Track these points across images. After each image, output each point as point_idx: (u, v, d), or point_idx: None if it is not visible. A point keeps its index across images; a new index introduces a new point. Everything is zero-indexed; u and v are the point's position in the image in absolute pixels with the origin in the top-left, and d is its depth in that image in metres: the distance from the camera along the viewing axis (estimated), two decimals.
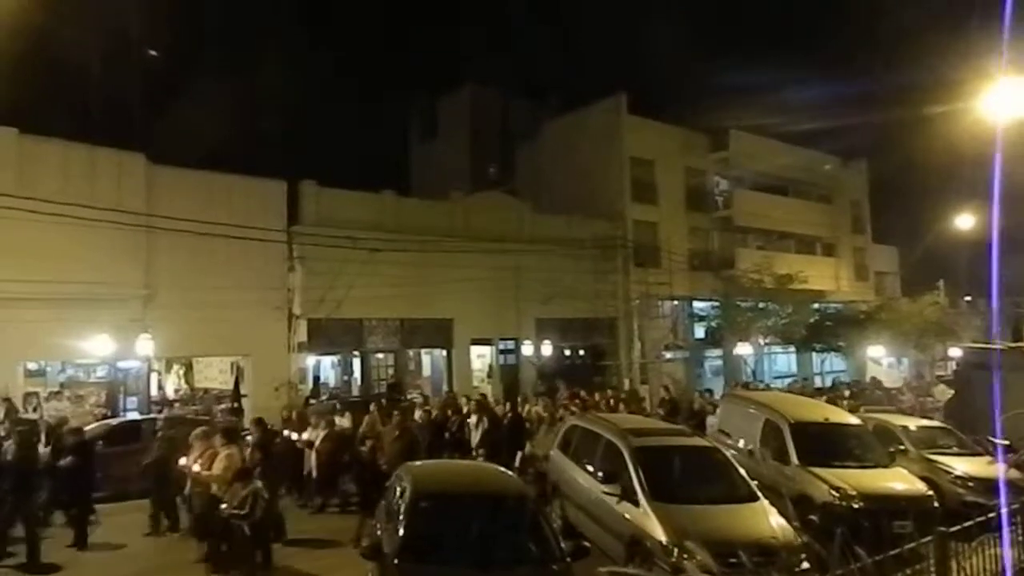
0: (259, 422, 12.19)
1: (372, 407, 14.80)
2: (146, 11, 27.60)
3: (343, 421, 14.03)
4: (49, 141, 17.13)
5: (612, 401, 17.97)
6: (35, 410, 16.28)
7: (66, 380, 18.08)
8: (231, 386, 19.60)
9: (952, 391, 22.35)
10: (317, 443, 12.58)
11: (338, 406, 17.17)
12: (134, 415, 17.00)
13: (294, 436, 13.44)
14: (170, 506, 10.97)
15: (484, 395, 18.71)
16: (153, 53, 27.75)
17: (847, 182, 37.24)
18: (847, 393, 22.36)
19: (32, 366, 17.51)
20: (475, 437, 14.19)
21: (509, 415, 15.24)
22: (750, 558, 7.38)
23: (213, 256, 18.04)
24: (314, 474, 12.72)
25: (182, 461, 9.98)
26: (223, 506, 8.62)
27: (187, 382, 21.12)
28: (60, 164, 16.88)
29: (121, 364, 17.85)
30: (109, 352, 16.77)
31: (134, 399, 18.30)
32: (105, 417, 16.36)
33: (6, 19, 15.75)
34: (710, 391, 21.19)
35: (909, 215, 38.03)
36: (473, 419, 14.54)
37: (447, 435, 14.19)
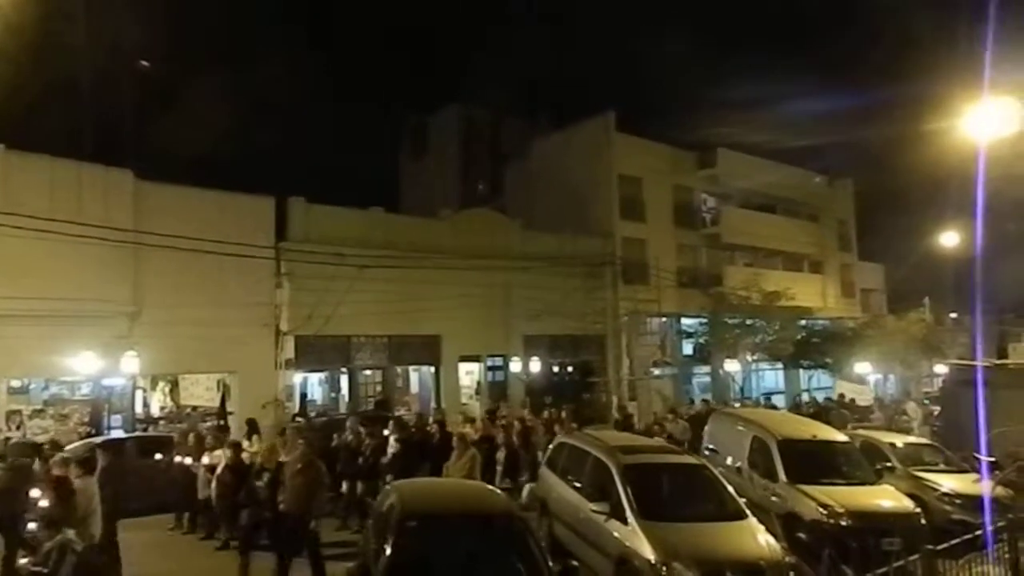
0: (106, 446, 10.87)
1: (287, 430, 12.87)
2: (135, 28, 27.66)
3: (251, 445, 12.63)
4: (36, 157, 17.02)
5: (556, 426, 15.54)
6: (18, 428, 16.11)
7: (50, 398, 17.88)
8: (217, 404, 19.46)
9: (921, 409, 22.45)
10: (219, 470, 11.35)
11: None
12: (119, 433, 16.83)
13: (187, 461, 12.55)
14: (15, 545, 9.28)
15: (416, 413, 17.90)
16: (145, 63, 27.83)
17: (834, 200, 37.60)
18: (810, 411, 21.67)
19: (15, 383, 17.34)
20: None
21: (437, 436, 14.14)
22: None
23: (200, 273, 17.94)
24: (213, 504, 11.55)
25: (34, 493, 9.02)
26: (23, 561, 7.50)
27: (173, 399, 20.95)
28: (47, 180, 16.75)
29: (106, 382, 17.67)
30: (94, 369, 16.59)
31: (119, 417, 18.12)
32: (89, 435, 16.18)
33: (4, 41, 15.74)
34: (674, 411, 20.87)
35: (895, 233, 38.46)
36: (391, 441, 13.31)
37: (360, 460, 12.84)
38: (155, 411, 20.25)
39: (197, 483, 12.14)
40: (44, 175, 16.83)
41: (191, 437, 13.29)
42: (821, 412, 21.08)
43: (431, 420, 16.48)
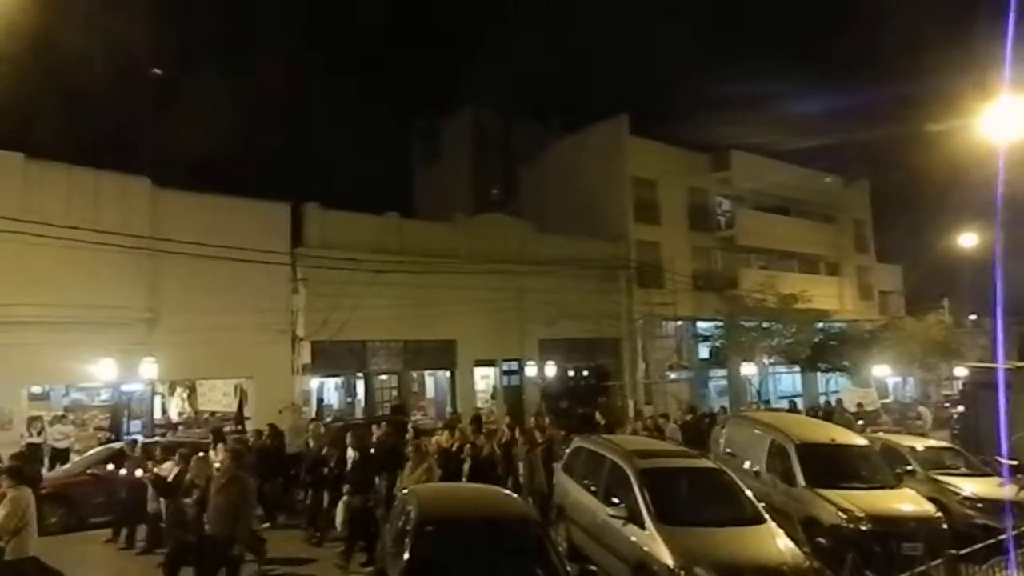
0: (30, 455, 10.25)
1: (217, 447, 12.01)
2: (147, 36, 27.94)
3: (216, 456, 11.67)
4: (54, 166, 17.20)
5: (538, 433, 14.54)
6: (39, 434, 16.26)
7: (70, 404, 18.04)
8: (235, 409, 19.57)
9: (932, 413, 21.89)
10: (170, 479, 10.37)
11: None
12: (138, 438, 16.95)
13: (138, 473, 11.75)
14: None
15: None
16: (157, 71, 28.11)
17: (850, 201, 37.31)
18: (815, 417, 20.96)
19: (36, 390, 17.49)
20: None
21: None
22: None
23: (217, 279, 18.06)
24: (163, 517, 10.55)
25: None
26: None
27: (191, 405, 21.07)
28: (65, 188, 16.93)
29: (125, 387, 17.83)
30: (113, 375, 16.75)
31: (138, 422, 18.28)
32: (109, 441, 16.30)
33: (10, 46, 15.93)
34: (665, 416, 20.45)
35: (913, 233, 38.10)
36: (350, 452, 12.38)
37: (326, 470, 12.35)
38: (174, 416, 20.36)
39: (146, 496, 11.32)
40: (62, 183, 17.00)
41: (138, 447, 12.83)
42: (822, 417, 20.57)
43: (409, 427, 15.72)
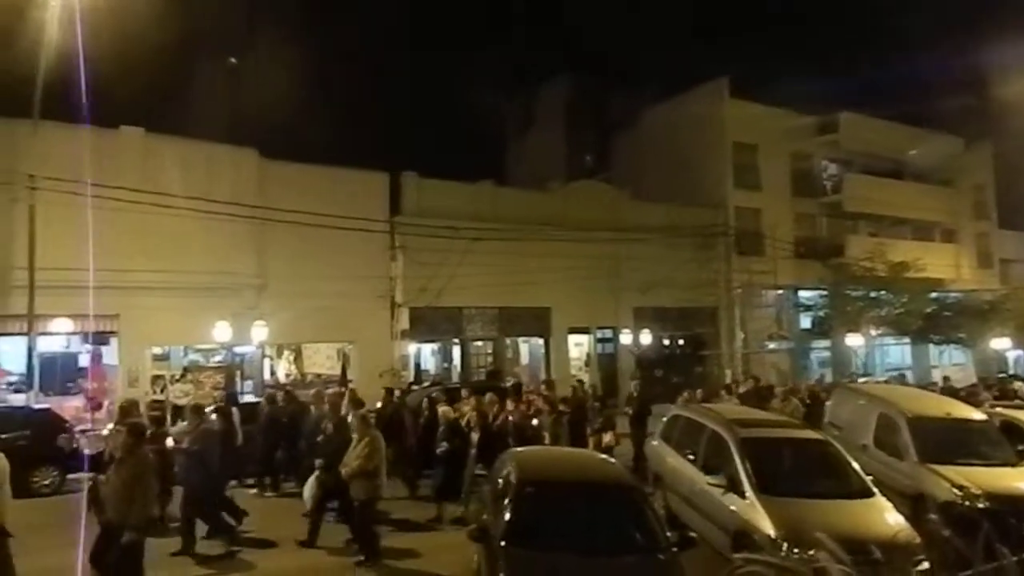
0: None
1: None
2: (251, 13, 28.91)
3: (212, 423, 10.95)
4: (171, 139, 18.20)
5: (561, 405, 13.75)
6: (162, 391, 17.43)
7: (188, 364, 19.18)
8: (338, 372, 20.34)
9: None
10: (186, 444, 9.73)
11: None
12: (250, 398, 17.89)
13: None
14: None
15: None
16: (233, 60, 29.10)
17: (970, 164, 34.92)
18: None
19: (157, 351, 18.67)
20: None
21: (427, 413, 12.87)
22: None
23: (319, 246, 18.74)
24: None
25: None
26: None
27: (297, 367, 22.01)
28: (181, 160, 17.84)
29: (238, 349, 18.83)
30: (227, 338, 17.72)
31: (249, 383, 19.30)
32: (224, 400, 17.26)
33: (131, 32, 16.81)
34: (727, 387, 19.15)
35: None
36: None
37: (319, 439, 10.71)
38: (281, 378, 21.31)
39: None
40: (179, 156, 17.94)
41: (144, 407, 12.08)
42: None
43: (429, 395, 14.36)
